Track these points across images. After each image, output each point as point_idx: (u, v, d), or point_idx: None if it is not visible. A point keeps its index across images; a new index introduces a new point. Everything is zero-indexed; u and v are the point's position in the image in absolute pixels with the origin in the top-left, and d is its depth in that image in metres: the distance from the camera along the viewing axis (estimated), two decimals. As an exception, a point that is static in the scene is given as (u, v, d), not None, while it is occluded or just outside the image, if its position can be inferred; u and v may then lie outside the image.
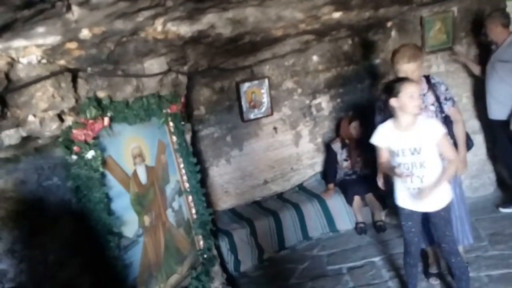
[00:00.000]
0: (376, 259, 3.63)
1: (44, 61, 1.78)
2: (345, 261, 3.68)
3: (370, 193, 4.15)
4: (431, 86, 2.87)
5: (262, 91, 4.20)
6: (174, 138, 2.95)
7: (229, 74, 3.95)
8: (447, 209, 2.57)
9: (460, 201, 2.95)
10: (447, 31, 3.95)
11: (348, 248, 3.91)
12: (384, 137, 2.61)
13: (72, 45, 1.79)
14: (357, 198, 4.17)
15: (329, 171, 4.48)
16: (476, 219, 3.84)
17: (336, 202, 4.22)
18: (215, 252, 3.32)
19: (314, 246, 4.06)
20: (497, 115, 3.76)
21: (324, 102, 4.63)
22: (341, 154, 4.36)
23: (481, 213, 3.97)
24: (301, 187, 4.61)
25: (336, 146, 4.39)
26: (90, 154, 2.07)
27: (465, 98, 4.22)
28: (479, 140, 4.24)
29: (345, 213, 4.22)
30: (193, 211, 3.09)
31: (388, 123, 2.60)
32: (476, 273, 3.09)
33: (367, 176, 4.27)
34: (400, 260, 3.48)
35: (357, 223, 4.18)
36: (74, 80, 1.99)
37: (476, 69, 3.96)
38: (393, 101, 2.44)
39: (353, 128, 4.27)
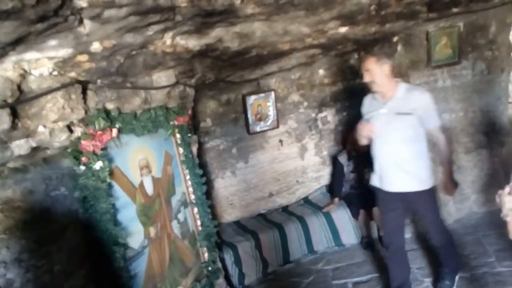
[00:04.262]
0: (382, 274, 3.59)
1: (55, 73, 1.82)
2: (350, 276, 3.65)
3: (376, 207, 4.11)
4: None
5: (268, 104, 4.23)
6: (181, 149, 2.97)
7: (236, 87, 3.98)
8: None
9: None
10: (453, 46, 3.96)
11: (354, 262, 3.87)
12: None
13: (82, 57, 1.83)
14: (362, 212, 4.13)
15: (336, 185, 4.44)
16: (483, 235, 3.80)
17: (341, 215, 4.19)
18: (219, 264, 3.31)
19: (319, 260, 4.02)
20: (414, 186, 2.79)
21: (330, 116, 4.65)
22: (348, 166, 4.34)
23: (487, 229, 3.93)
24: (306, 200, 4.59)
25: (343, 158, 4.37)
26: (97, 164, 2.10)
27: (471, 113, 4.21)
28: (484, 154, 4.23)
29: (351, 227, 4.19)
30: (198, 223, 3.09)
31: None
32: (484, 290, 3.06)
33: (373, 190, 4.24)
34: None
35: (362, 237, 4.15)
36: (84, 92, 2.03)
37: None
38: None
39: None
